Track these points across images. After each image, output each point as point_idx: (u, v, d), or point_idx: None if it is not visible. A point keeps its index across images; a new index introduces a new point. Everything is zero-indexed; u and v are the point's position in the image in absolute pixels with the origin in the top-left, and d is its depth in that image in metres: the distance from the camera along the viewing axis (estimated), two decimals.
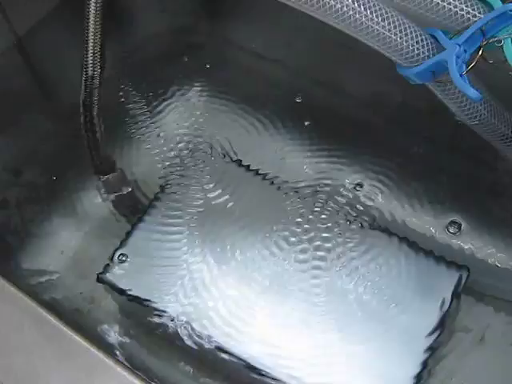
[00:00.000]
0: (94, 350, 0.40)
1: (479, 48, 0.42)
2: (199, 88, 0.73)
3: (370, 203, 0.63)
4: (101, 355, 0.40)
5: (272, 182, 0.63)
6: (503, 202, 0.62)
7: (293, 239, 0.59)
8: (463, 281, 0.55)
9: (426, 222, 0.62)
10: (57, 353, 0.40)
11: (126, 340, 0.59)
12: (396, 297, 0.55)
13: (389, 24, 0.43)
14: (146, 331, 0.58)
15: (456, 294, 0.55)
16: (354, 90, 0.68)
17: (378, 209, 0.63)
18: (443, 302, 0.54)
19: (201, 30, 0.75)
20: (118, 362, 0.39)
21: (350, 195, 0.64)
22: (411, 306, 0.54)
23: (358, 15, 0.43)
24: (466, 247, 0.61)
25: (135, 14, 0.74)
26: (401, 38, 0.44)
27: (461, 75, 0.41)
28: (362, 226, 0.60)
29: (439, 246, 0.61)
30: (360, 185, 0.64)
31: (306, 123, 0.68)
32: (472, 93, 0.40)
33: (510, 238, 0.61)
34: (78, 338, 0.40)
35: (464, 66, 0.42)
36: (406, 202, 0.63)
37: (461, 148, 0.63)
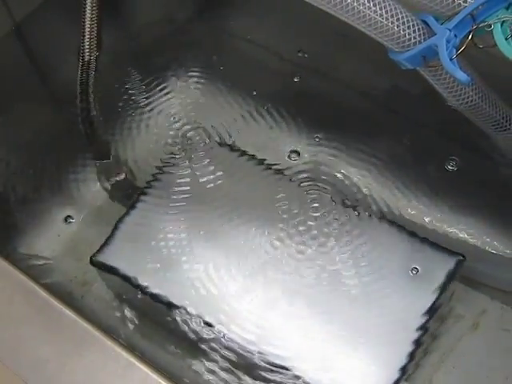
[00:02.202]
0: (82, 322, 0.41)
1: (469, 33, 0.43)
2: (196, 75, 0.73)
3: (362, 189, 0.63)
4: (89, 327, 0.41)
5: (267, 168, 0.64)
6: (499, 190, 0.62)
7: (285, 224, 0.59)
8: (457, 267, 0.55)
9: (421, 211, 0.63)
10: (46, 325, 0.41)
11: (119, 323, 0.59)
12: (389, 281, 0.55)
13: (380, 9, 0.44)
14: (139, 314, 0.58)
15: (449, 280, 0.55)
16: (348, 76, 0.68)
17: (370, 195, 0.63)
18: (436, 287, 0.54)
19: (199, 18, 0.75)
20: (106, 334, 0.40)
21: (343, 181, 0.64)
22: (404, 291, 0.54)
23: (349, 0, 0.44)
24: (460, 235, 0.61)
25: (134, 0, 0.74)
26: (392, 23, 0.44)
27: (451, 59, 0.42)
28: (354, 211, 0.60)
29: (434, 233, 0.61)
30: (353, 171, 0.65)
31: (301, 110, 0.68)
32: (461, 75, 0.41)
33: (504, 226, 0.61)
34: (67, 311, 0.41)
35: (454, 51, 0.43)
36: (399, 190, 0.64)
37: (457, 135, 0.63)
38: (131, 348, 0.40)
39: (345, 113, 0.68)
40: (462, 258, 0.56)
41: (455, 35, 0.43)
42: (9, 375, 0.39)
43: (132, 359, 0.39)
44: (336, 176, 0.64)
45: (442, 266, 0.55)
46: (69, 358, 0.40)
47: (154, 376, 0.39)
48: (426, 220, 0.62)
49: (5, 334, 0.41)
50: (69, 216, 0.65)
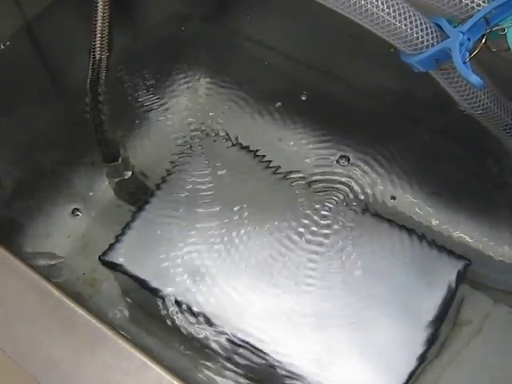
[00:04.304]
0: (95, 321, 0.41)
1: (483, 36, 0.43)
2: (206, 76, 0.73)
3: (371, 192, 0.64)
4: (102, 327, 0.41)
5: (276, 170, 0.64)
6: (505, 195, 0.62)
7: (293, 226, 0.59)
8: (464, 271, 0.56)
9: (428, 214, 0.63)
10: (59, 323, 0.41)
11: (127, 321, 0.59)
12: (397, 285, 0.55)
13: (394, 11, 0.44)
14: (147, 313, 0.59)
15: (457, 284, 0.55)
16: (359, 78, 0.68)
17: (379, 198, 0.63)
18: (444, 291, 0.55)
19: (208, 19, 0.75)
20: (119, 334, 0.40)
21: (352, 184, 0.64)
22: (413, 295, 0.55)
23: (363, 1, 0.44)
24: (467, 239, 0.62)
25: (145, 0, 0.74)
26: (405, 25, 0.44)
27: (464, 62, 0.42)
28: (362, 213, 0.60)
29: (441, 237, 0.61)
30: (362, 174, 0.65)
31: (310, 112, 0.69)
32: (474, 79, 0.41)
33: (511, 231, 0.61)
34: (80, 310, 0.41)
35: (467, 54, 0.43)
36: (407, 192, 0.64)
37: (464, 138, 0.63)
38: (143, 348, 0.40)
39: (355, 114, 0.68)
40: (468, 262, 0.56)
41: (468, 38, 0.43)
42: (22, 374, 0.40)
43: (146, 359, 0.39)
44: (345, 179, 0.64)
45: (451, 270, 0.56)
46: (82, 357, 0.40)
47: (168, 377, 0.39)
48: (433, 223, 0.62)
49: (18, 332, 0.41)
50: (78, 214, 0.66)
